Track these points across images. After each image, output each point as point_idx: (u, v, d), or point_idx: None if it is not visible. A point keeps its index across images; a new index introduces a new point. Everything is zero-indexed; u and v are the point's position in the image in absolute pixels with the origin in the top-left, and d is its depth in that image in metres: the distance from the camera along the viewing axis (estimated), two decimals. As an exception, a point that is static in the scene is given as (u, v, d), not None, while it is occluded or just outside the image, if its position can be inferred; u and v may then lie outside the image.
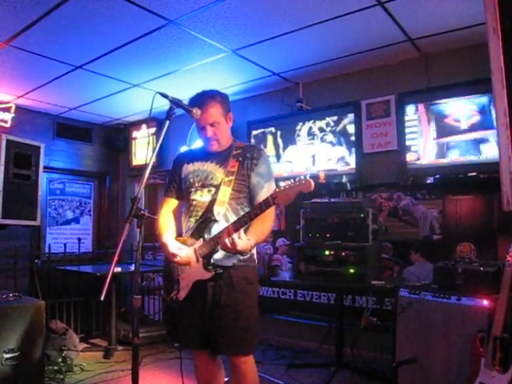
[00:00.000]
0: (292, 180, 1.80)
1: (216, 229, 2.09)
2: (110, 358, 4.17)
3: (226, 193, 2.13)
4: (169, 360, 4.09)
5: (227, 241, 1.91)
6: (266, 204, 1.88)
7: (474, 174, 3.51)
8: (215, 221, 2.10)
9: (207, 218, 2.12)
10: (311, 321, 4.37)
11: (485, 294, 2.69)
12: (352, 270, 3.43)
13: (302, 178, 1.77)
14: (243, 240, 1.93)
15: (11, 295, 3.21)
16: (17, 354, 2.93)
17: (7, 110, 5.10)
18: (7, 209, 3.25)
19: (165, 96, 2.00)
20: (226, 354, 2.17)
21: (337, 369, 3.57)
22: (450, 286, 2.91)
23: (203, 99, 2.16)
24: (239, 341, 2.11)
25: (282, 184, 1.81)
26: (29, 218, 3.45)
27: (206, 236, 2.10)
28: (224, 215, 2.13)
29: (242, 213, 2.12)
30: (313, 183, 1.76)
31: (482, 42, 3.43)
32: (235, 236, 1.91)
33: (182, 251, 2.13)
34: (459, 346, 2.70)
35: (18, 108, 5.23)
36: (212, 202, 2.15)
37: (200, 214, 2.19)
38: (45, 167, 3.81)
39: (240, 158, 2.19)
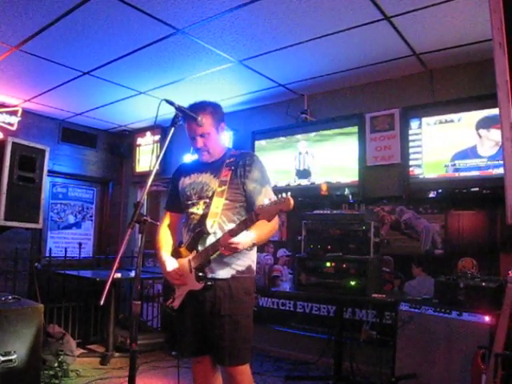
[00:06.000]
0: (275, 197, 1.81)
1: (211, 241, 2.10)
2: (107, 364, 4.14)
3: (218, 204, 2.13)
4: (166, 368, 4.05)
5: (229, 242, 1.93)
6: (250, 220, 1.90)
7: (477, 188, 3.51)
8: (208, 233, 2.11)
9: (200, 231, 2.13)
10: (310, 333, 4.35)
11: (486, 309, 2.67)
12: (353, 283, 3.41)
13: (284, 196, 1.78)
14: (241, 236, 1.94)
15: (10, 297, 3.20)
16: (13, 356, 2.91)
17: (14, 113, 5.14)
18: (10, 211, 3.26)
19: (171, 103, 2.01)
20: (224, 365, 2.14)
21: (335, 382, 3.53)
22: (452, 301, 2.89)
23: (194, 110, 2.16)
24: (238, 351, 2.09)
25: (266, 201, 1.83)
26: (31, 221, 3.45)
27: (199, 248, 2.13)
28: (219, 226, 2.13)
29: None
30: (292, 202, 1.77)
31: (486, 58, 3.48)
32: (233, 239, 1.93)
33: (176, 269, 2.17)
34: (460, 363, 2.67)
35: (25, 112, 5.27)
36: (205, 215, 2.16)
37: (196, 226, 2.20)
38: (48, 171, 3.81)
39: (232, 167, 2.19)
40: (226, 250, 1.98)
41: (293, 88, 4.56)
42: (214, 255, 2.07)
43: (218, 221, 2.12)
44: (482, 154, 3.53)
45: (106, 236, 6.51)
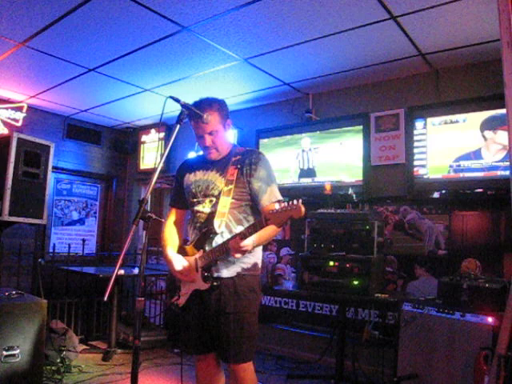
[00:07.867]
0: (286, 203, 1.79)
1: (218, 240, 2.08)
2: (109, 360, 4.15)
3: (226, 203, 2.11)
4: (168, 365, 4.07)
5: (240, 245, 1.91)
6: (260, 224, 1.87)
7: (481, 189, 3.49)
8: (216, 233, 2.09)
9: (208, 231, 2.12)
10: (313, 332, 4.35)
11: (490, 310, 2.66)
12: (356, 282, 3.41)
13: (295, 202, 1.75)
14: (247, 240, 1.92)
15: (14, 292, 3.21)
16: (16, 351, 2.93)
17: (19, 109, 5.16)
18: (14, 206, 3.26)
19: (176, 100, 2.00)
20: (229, 362, 2.14)
21: (337, 381, 3.53)
22: (455, 302, 2.88)
23: (201, 108, 2.12)
24: (242, 348, 2.09)
25: (276, 206, 1.81)
26: (35, 217, 3.45)
27: (206, 248, 2.11)
28: (226, 226, 2.12)
29: (245, 222, 2.13)
30: (303, 209, 1.75)
31: (492, 59, 3.47)
32: (243, 243, 1.91)
33: (185, 267, 2.14)
34: (462, 363, 2.66)
35: (30, 108, 5.29)
36: (213, 214, 2.14)
37: (203, 225, 2.18)
38: (53, 167, 3.82)
39: (239, 165, 2.17)
40: (235, 252, 1.95)
41: (298, 87, 4.56)
42: (221, 256, 2.06)
43: (225, 220, 2.10)
44: (486, 159, 3.50)
45: (110, 233, 6.53)
